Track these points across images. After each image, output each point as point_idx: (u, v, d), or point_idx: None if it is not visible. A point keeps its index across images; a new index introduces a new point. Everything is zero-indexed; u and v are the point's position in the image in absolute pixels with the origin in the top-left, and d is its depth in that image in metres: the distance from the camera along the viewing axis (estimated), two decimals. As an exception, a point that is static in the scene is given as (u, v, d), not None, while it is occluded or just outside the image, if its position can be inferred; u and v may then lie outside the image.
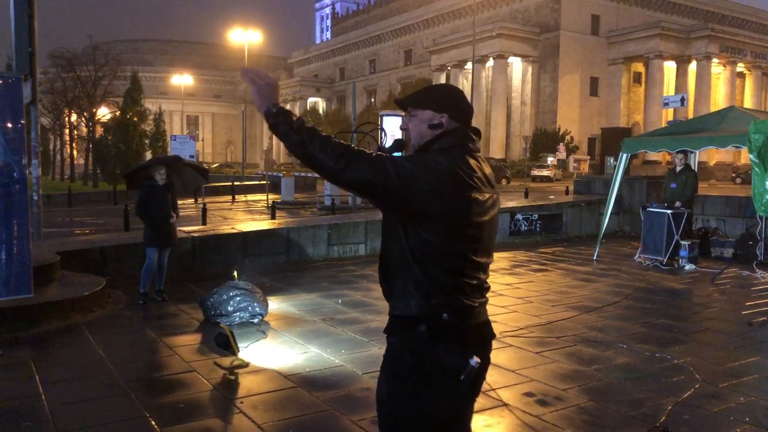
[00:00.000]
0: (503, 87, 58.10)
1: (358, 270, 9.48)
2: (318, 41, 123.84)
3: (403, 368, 2.00)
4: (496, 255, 8.78)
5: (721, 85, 59.93)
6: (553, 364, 5.11)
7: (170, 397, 4.38)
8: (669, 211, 9.98)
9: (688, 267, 9.81)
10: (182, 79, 71.81)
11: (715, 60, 58.52)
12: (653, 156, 52.84)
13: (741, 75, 62.33)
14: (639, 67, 60.71)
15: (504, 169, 41.40)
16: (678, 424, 3.91)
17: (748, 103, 57.69)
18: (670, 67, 59.49)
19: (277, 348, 5.50)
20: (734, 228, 12.53)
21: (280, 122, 1.97)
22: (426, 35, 69.61)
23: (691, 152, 10.87)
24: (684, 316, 7.04)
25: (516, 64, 59.51)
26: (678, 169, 10.38)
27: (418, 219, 1.97)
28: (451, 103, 2.13)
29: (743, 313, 7.03)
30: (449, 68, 61.94)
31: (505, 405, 4.20)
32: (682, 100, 19.61)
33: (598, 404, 4.25)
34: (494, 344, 5.65)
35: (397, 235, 2.03)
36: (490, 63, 58.48)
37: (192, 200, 23.18)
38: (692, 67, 58.97)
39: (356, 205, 16.79)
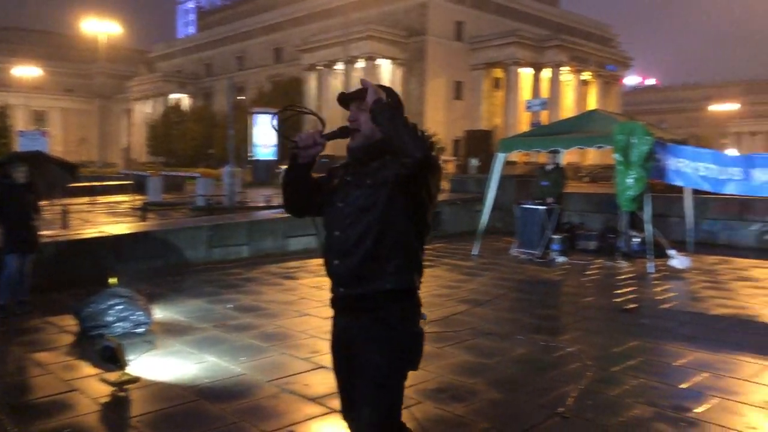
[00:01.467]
0: (373, 88, 58.90)
1: (244, 272, 9.09)
2: (180, 35, 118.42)
3: (401, 336, 2.36)
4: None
5: (570, 91, 64.99)
6: (457, 358, 5.16)
7: (50, 423, 3.87)
8: (543, 207, 10.55)
9: (560, 260, 10.42)
10: (27, 71, 65.53)
11: (565, 68, 63.34)
12: (512, 156, 56.05)
13: (586, 83, 67.98)
14: (499, 72, 64.22)
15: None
16: (584, 409, 4.08)
17: (591, 107, 63.06)
18: (526, 73, 63.49)
19: (169, 359, 5.08)
20: (594, 222, 13.54)
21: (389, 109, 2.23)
22: (296, 33, 68.95)
23: (559, 152, 11.56)
24: (565, 306, 7.46)
25: (385, 66, 60.60)
26: (549, 167, 11.02)
27: (433, 200, 2.35)
28: (397, 101, 2.40)
29: (615, 300, 7.56)
30: (319, 68, 61.81)
31: (420, 402, 4.16)
32: (544, 104, 20.97)
33: (508, 396, 4.33)
34: (397, 342, 5.56)
35: (401, 219, 2.33)
36: (361, 64, 59.07)
37: (45, 202, 21.13)
38: (545, 74, 63.37)
39: (233, 205, 16.16)
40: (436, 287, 8.15)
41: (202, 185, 19.11)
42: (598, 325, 6.47)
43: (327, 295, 7.35)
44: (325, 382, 4.54)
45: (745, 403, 4.23)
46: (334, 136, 2.37)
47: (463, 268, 9.80)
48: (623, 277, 9.20)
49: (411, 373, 4.72)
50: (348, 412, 2.48)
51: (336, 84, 60.64)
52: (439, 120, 59.46)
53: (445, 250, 11.83)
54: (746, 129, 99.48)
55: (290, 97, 62.15)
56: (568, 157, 63.05)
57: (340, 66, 57.38)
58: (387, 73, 60.54)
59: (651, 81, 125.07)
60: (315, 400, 4.22)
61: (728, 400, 4.29)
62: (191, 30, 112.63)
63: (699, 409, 4.10)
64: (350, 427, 2.49)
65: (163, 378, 4.60)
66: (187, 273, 8.99)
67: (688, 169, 9.17)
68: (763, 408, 4.14)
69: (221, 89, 69.78)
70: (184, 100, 78.27)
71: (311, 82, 63.47)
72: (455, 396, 4.31)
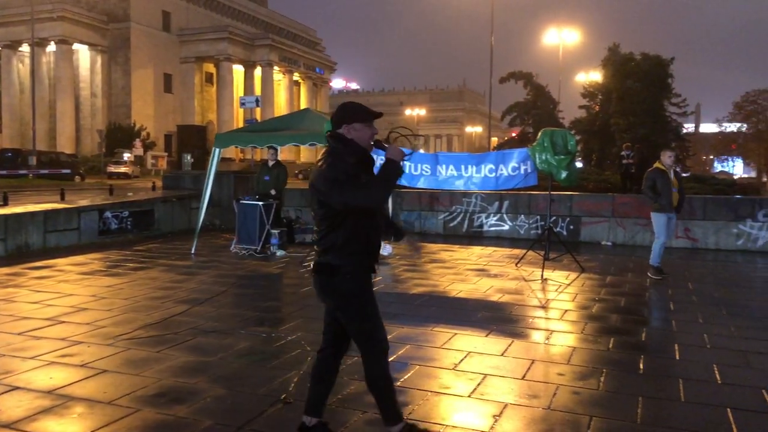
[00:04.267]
0: (69, 76, 53.03)
1: None
2: None
3: None
4: (87, 257, 8.13)
5: (282, 90, 66.86)
6: (178, 359, 4.96)
7: None
8: (261, 203, 10.70)
9: (279, 253, 10.72)
10: None
11: (276, 68, 64.85)
12: (227, 154, 55.68)
13: (297, 83, 70.61)
14: (211, 67, 63.02)
15: (76, 165, 37.91)
16: (306, 393, 4.27)
17: (303, 108, 65.83)
18: (239, 70, 63.40)
19: None
20: (309, 217, 14.21)
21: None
22: (-36, 5, 58.31)
23: (277, 148, 11.82)
24: (286, 297, 7.70)
25: (84, 53, 54.99)
26: (270, 163, 11.26)
27: None
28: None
29: (331, 288, 8.04)
30: (-1, 48, 53.39)
31: (138, 410, 3.91)
32: (257, 101, 21.24)
33: (231, 390, 4.32)
34: (109, 351, 5.20)
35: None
36: (52, 47, 52.62)
37: None
38: (258, 72, 64.10)
39: None
40: (152, 289, 7.72)
41: None
42: (317, 312, 6.76)
43: (17, 308, 6.55)
44: (21, 404, 3.98)
45: (439, 367, 4.88)
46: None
47: (180, 267, 9.43)
48: (336, 266, 9.81)
49: (126, 382, 4.46)
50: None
51: (23, 69, 53.21)
52: (148, 113, 56.07)
53: (160, 250, 11.25)
54: (433, 132, 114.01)
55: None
56: (282, 156, 65.12)
57: (26, 48, 50.26)
58: (85, 59, 54.99)
59: (354, 86, 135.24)
60: (10, 426, 3.67)
61: (426, 366, 4.90)
62: None
63: (403, 377, 4.61)
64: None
65: None
66: None
67: (389, 165, 10.16)
68: (452, 369, 4.83)
69: None
70: None
71: (-12, 64, 54.44)
72: (176, 398, 4.14)
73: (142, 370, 4.69)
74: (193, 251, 10.80)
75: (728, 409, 4.05)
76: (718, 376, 4.72)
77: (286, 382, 4.45)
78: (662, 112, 29.86)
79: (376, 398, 3.38)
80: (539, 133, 9.47)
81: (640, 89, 27.17)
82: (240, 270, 9.22)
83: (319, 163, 3.22)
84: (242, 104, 21.92)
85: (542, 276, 8.91)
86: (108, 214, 12.07)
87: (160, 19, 58.56)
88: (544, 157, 9.15)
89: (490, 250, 11.84)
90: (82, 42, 53.34)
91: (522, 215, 13.77)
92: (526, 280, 8.67)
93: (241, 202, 10.99)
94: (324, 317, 3.54)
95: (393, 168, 3.11)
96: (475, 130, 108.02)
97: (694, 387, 4.50)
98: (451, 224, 14.41)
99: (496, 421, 3.86)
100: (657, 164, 8.95)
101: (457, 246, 12.39)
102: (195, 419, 3.82)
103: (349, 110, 3.25)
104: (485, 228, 14.10)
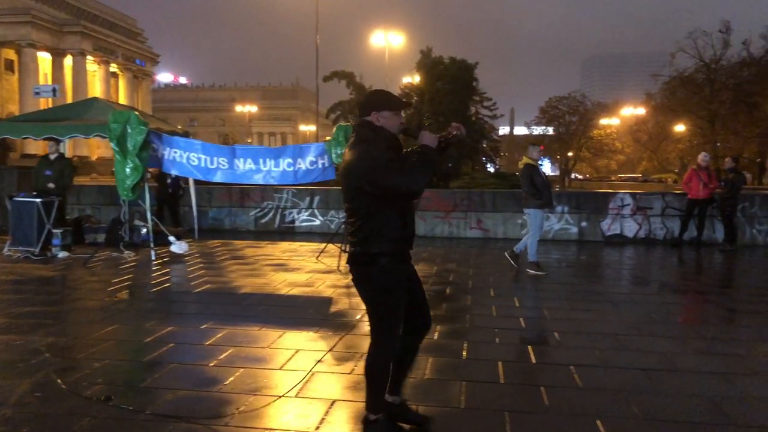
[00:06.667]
0: None
1: None
2: None
3: None
4: None
5: (98, 82, 61.97)
6: None
7: None
8: (39, 200, 9.71)
9: (62, 255, 9.81)
10: None
11: (90, 57, 59.95)
12: (32, 150, 50.42)
13: (115, 75, 65.87)
14: (12, 54, 56.72)
15: None
16: (28, 399, 3.87)
17: (122, 101, 61.49)
18: (46, 58, 57.77)
19: None
20: (109, 215, 13.22)
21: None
22: None
23: (62, 140, 10.80)
24: (54, 302, 7.01)
25: None
26: (53, 157, 10.24)
27: None
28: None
29: (109, 289, 7.50)
30: None
31: None
32: (54, 90, 19.29)
33: (-62, 407, 3.79)
34: None
35: None
36: None
37: None
38: (68, 61, 58.84)
39: None
40: None
41: None
42: (83, 315, 6.28)
43: None
44: None
45: (193, 363, 4.69)
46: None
47: (-69, 274, 8.25)
48: (125, 266, 9.20)
49: None
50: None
51: None
52: (-70, 103, 48.92)
53: None
54: (266, 130, 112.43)
55: None
56: (100, 151, 60.28)
57: None
58: None
59: (184, 80, 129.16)
60: None
61: (182, 364, 4.68)
62: None
63: (155, 376, 4.36)
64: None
65: None
66: None
67: (182, 158, 9.74)
68: (204, 363, 4.66)
69: None
70: None
71: None
72: None
73: None
74: (-47, 256, 9.52)
75: (462, 383, 4.33)
76: (465, 353, 5.06)
77: (9, 393, 4.00)
78: (469, 113, 32.02)
79: (368, 385, 3.38)
80: (335, 128, 9.60)
81: (448, 91, 28.91)
82: (7, 274, 8.27)
83: (349, 152, 3.20)
84: (36, 94, 19.78)
85: (338, 267, 9.04)
86: None
87: (-54, -4, 51.47)
88: (339, 152, 9.29)
89: (297, 245, 11.81)
90: None
91: (333, 210, 13.92)
92: (321, 273, 8.73)
93: (15, 199, 9.88)
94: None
95: (431, 153, 3.14)
96: (309, 128, 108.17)
97: (441, 364, 4.77)
98: (263, 220, 14.19)
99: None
100: (526, 160, 8.95)
101: (266, 242, 12.21)
102: None
103: (379, 98, 3.31)
104: (297, 223, 14.07)
